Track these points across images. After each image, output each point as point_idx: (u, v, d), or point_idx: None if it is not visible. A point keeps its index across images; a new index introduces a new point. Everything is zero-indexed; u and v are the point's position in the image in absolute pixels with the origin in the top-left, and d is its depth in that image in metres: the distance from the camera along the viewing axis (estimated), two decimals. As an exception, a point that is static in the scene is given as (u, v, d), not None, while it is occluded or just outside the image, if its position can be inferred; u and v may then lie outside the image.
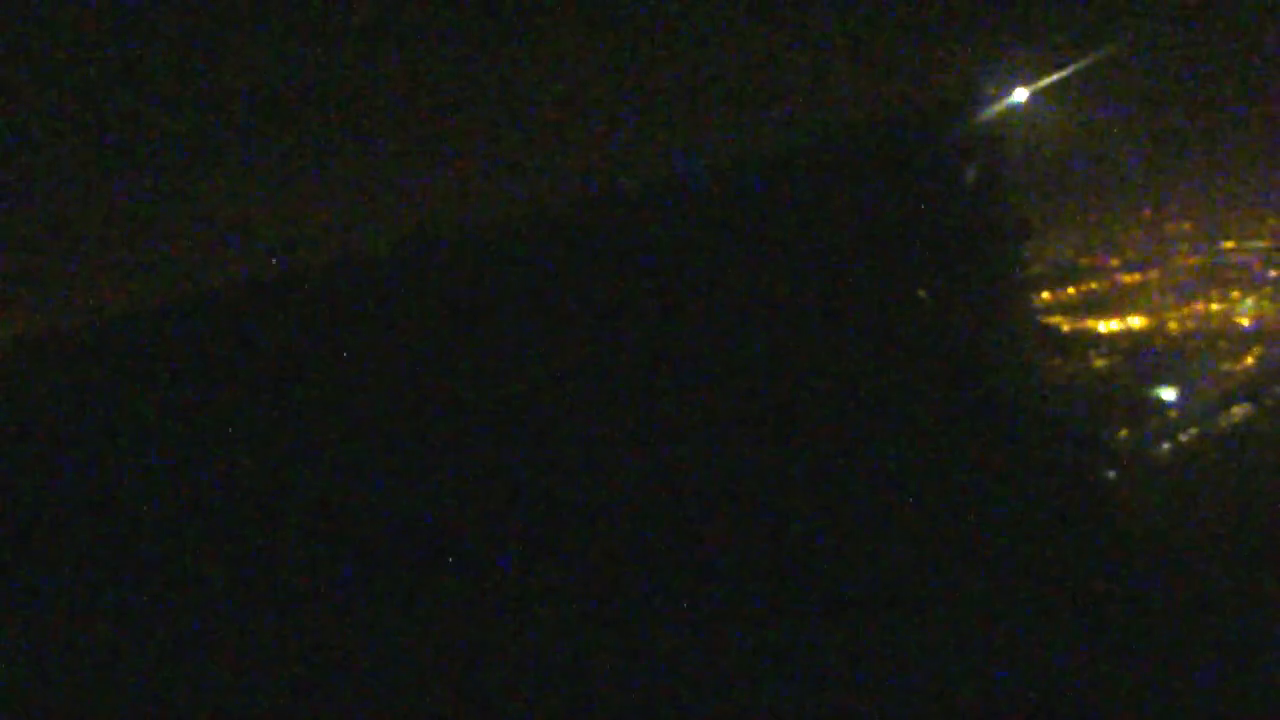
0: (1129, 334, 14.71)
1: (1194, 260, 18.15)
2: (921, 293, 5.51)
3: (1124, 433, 11.32)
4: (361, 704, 3.90)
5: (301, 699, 3.94)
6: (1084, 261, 17.05)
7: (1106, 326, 14.44)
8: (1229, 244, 19.42)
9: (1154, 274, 17.01)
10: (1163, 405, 12.78)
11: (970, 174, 5.67)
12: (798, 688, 4.05)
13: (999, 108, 5.78)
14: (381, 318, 5.59)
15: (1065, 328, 13.67)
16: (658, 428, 4.92)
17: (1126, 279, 16.55)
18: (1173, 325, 15.33)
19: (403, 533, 4.50)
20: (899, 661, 4.10)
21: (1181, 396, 12.96)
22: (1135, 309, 15.23)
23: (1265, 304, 17.09)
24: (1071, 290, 15.29)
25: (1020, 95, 5.74)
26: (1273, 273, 17.93)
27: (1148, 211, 20.65)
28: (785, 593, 4.33)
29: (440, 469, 4.76)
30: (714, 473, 4.78)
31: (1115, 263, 17.30)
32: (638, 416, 4.96)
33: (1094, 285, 15.91)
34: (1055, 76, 6.05)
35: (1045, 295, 14.67)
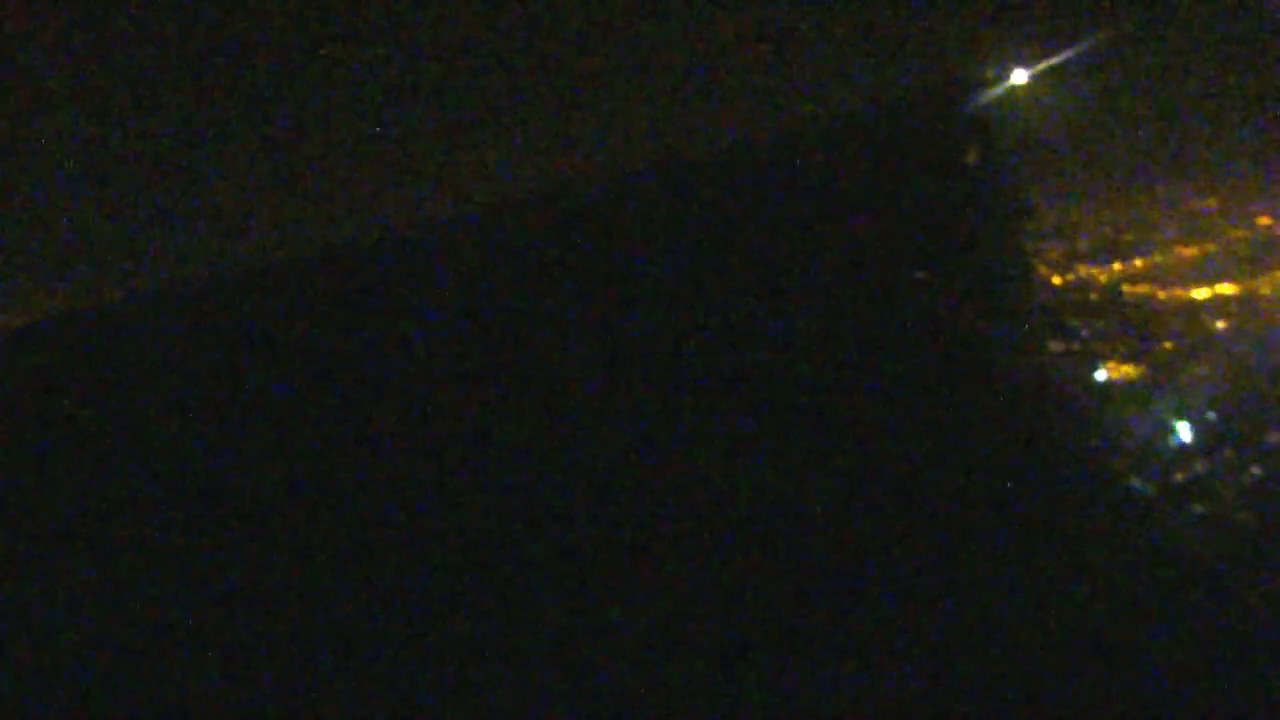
0: (1229, 299, 12.95)
1: (1240, 234, 16.86)
2: (922, 275, 5.43)
3: None
4: (362, 703, 3.86)
5: (302, 697, 3.87)
6: (1127, 237, 15.45)
7: (1201, 294, 12.73)
8: (1264, 220, 18.38)
9: (1211, 246, 15.72)
10: None
11: (972, 157, 5.57)
12: (795, 686, 3.89)
13: (999, 90, 5.65)
14: (381, 308, 5.54)
15: (1161, 295, 12.02)
16: (657, 419, 4.83)
17: (1186, 251, 15.04)
18: (1266, 291, 13.63)
19: (405, 526, 4.46)
20: (901, 656, 3.97)
21: None
22: (1218, 278, 13.62)
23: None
24: (1140, 262, 13.55)
25: (1020, 77, 5.66)
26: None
27: (1162, 190, 19.96)
28: (782, 585, 4.23)
29: (443, 462, 4.70)
30: (712, 463, 4.68)
31: (1161, 237, 15.88)
32: (638, 407, 4.87)
33: (1158, 258, 14.32)
34: (1057, 58, 5.95)
35: (1117, 266, 13.01)
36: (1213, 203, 18.71)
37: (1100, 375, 8.80)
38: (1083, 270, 12.71)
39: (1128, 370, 9.18)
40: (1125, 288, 12.27)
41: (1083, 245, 13.88)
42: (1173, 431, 7.92)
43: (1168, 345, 9.91)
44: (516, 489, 4.67)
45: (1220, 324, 11.83)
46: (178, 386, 5.32)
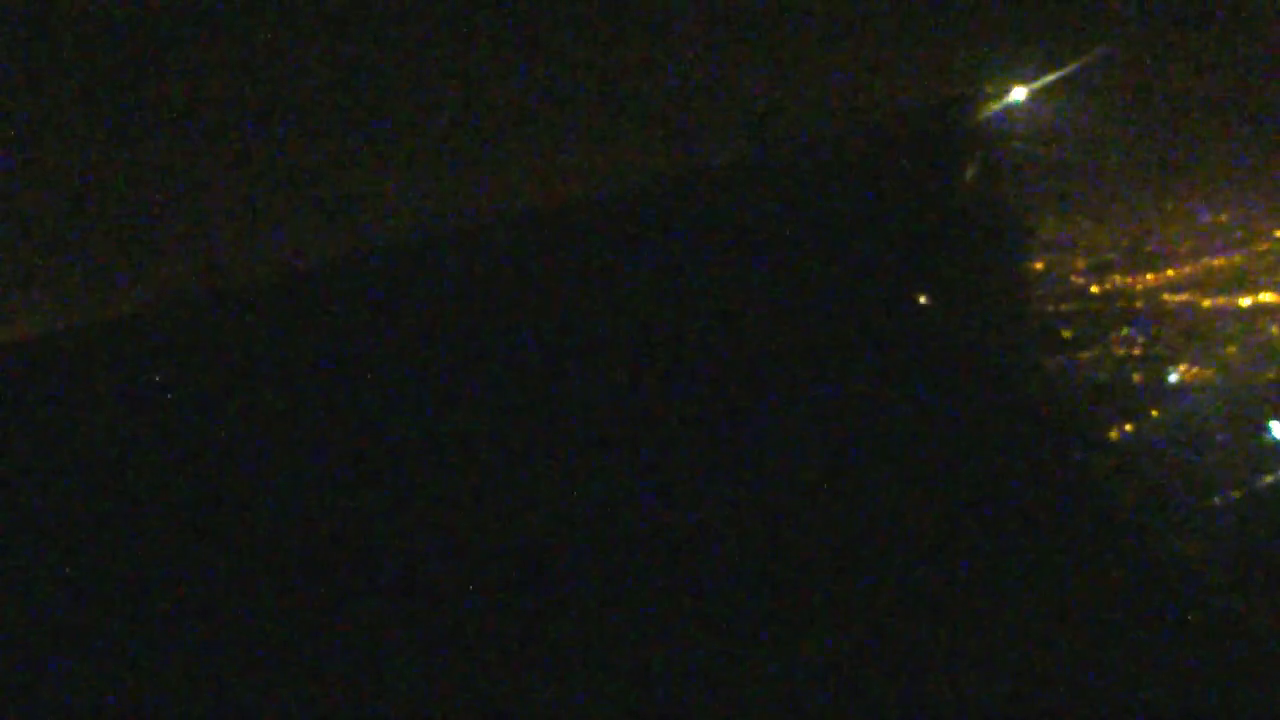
0: (1274, 306, 12.36)
1: (1263, 246, 16.28)
2: (923, 298, 5.31)
3: None
4: (361, 706, 3.82)
5: (301, 701, 3.85)
6: (1148, 249, 14.87)
7: (1245, 301, 12.36)
8: (1281, 233, 17.77)
9: (1237, 258, 15.09)
10: None
11: (971, 173, 6.30)
12: (792, 689, 3.92)
13: (998, 106, 6.30)
14: (382, 319, 5.48)
15: (1205, 304, 11.50)
16: (654, 433, 4.75)
17: (1215, 262, 14.48)
18: (1311, 299, 13.06)
19: (399, 540, 4.32)
20: (899, 663, 3.98)
21: None
22: (1258, 287, 13.23)
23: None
24: (1171, 272, 13.13)
25: (1019, 94, 6.33)
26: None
27: (1170, 205, 19.30)
28: (785, 596, 4.19)
29: (441, 471, 4.61)
30: (712, 476, 4.62)
31: (1183, 249, 15.30)
32: (635, 420, 4.78)
33: (1188, 269, 13.96)
34: (1055, 75, 6.37)
35: (1150, 275, 12.53)
36: (1225, 217, 18.31)
37: (1173, 377, 8.45)
38: (1118, 279, 12.22)
39: (1200, 373, 8.68)
40: (1166, 296, 11.76)
41: (1108, 256, 13.44)
42: (1267, 431, 7.39)
43: (1232, 349, 9.41)
44: (521, 499, 4.59)
45: (1275, 330, 11.29)
46: (176, 402, 5.23)
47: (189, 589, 4.29)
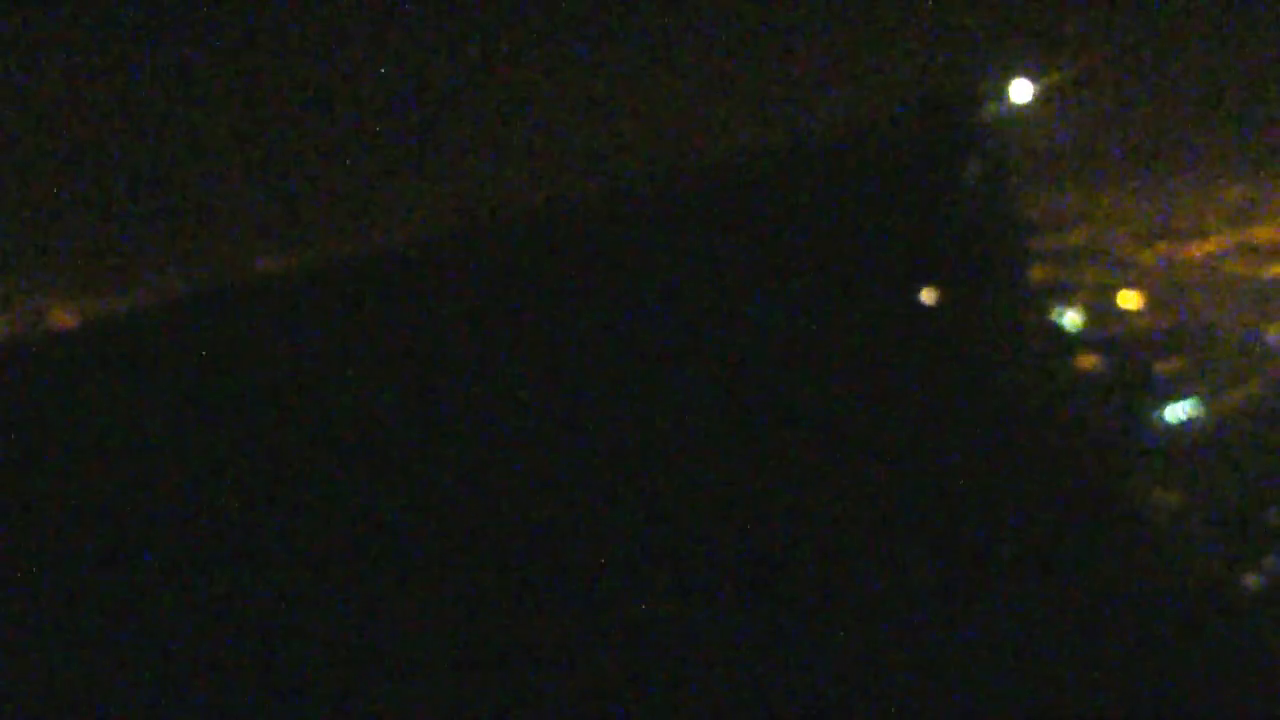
0: None
1: None
2: (925, 294, 5.20)
3: None
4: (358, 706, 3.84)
5: (300, 702, 3.87)
6: (1181, 224, 14.60)
7: None
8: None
9: (1261, 232, 14.70)
10: None
11: (974, 171, 5.36)
12: (797, 692, 3.89)
13: (1001, 103, 5.55)
14: (382, 318, 5.41)
15: (1261, 273, 11.18)
16: (652, 435, 4.73)
17: (1255, 233, 14.33)
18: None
19: (400, 536, 4.35)
20: (905, 664, 3.93)
21: None
22: None
23: None
24: (1214, 242, 13.15)
25: (1023, 91, 5.55)
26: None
27: (1191, 182, 19.25)
28: (787, 600, 4.16)
29: (440, 472, 4.65)
30: (714, 475, 4.60)
31: (1216, 223, 15.05)
32: (630, 422, 4.77)
33: (1230, 240, 13.82)
34: (1057, 74, 5.84)
35: (1195, 246, 12.13)
36: (1252, 192, 18.22)
37: (1272, 337, 8.01)
38: (1163, 248, 11.88)
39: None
40: (1226, 265, 11.39)
41: (1146, 228, 13.10)
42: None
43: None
44: (521, 499, 4.54)
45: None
46: (177, 400, 5.17)
47: (187, 589, 4.30)
